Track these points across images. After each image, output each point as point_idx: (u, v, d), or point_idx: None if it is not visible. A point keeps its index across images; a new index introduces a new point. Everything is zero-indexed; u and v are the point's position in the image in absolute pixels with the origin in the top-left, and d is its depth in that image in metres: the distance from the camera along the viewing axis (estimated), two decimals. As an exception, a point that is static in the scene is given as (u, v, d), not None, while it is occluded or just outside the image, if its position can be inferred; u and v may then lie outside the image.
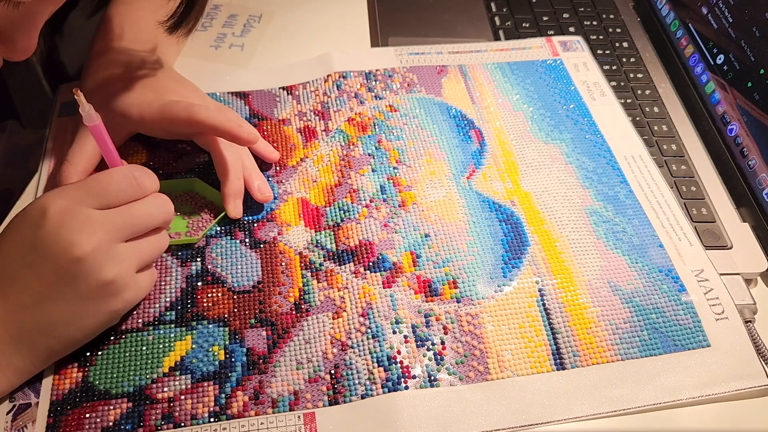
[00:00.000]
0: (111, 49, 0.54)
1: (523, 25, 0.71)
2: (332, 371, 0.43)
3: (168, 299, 0.46)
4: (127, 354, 0.44)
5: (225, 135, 0.49)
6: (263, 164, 0.54)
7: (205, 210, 0.51)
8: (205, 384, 0.43)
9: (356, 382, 0.43)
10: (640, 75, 0.66)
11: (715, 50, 0.61)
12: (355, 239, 0.50)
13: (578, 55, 0.66)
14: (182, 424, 0.41)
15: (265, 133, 0.57)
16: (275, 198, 0.53)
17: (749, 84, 0.56)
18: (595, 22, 0.72)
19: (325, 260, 0.49)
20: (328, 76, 0.61)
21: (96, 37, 0.56)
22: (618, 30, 0.71)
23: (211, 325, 0.45)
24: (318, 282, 0.48)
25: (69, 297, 0.40)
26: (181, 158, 0.55)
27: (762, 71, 0.55)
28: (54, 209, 0.39)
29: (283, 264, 0.49)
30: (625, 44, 0.69)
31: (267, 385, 0.43)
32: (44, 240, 0.39)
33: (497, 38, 0.69)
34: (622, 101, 0.62)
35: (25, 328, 0.40)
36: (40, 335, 0.40)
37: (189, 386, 0.43)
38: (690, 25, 0.65)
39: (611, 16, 0.72)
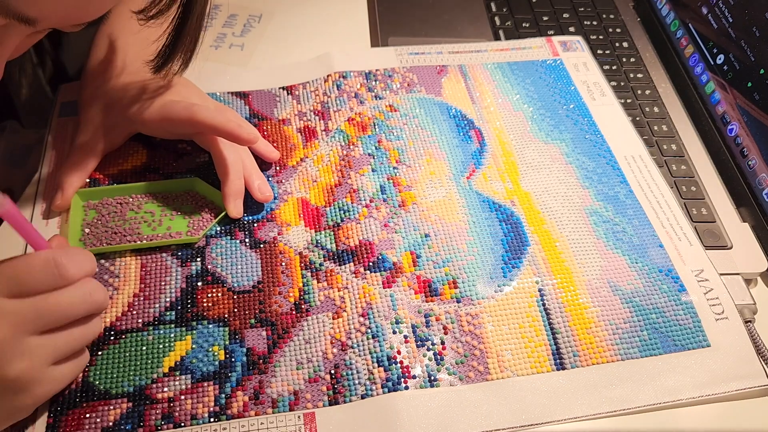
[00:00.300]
0: (112, 49, 0.54)
1: (523, 25, 0.71)
2: (332, 371, 0.43)
3: (168, 299, 0.46)
4: (127, 354, 0.44)
5: (225, 135, 0.49)
6: (263, 164, 0.54)
7: (205, 210, 0.51)
8: (205, 384, 0.43)
9: (356, 382, 0.43)
10: (640, 75, 0.66)
11: (715, 50, 0.61)
12: (355, 239, 0.50)
13: (578, 55, 0.66)
14: (182, 424, 0.41)
15: (265, 133, 0.57)
16: (275, 198, 0.53)
17: (749, 84, 0.56)
18: (595, 22, 0.72)
19: (325, 260, 0.49)
20: (328, 76, 0.61)
21: (97, 36, 0.56)
22: (618, 30, 0.71)
23: (211, 325, 0.45)
24: (318, 282, 0.48)
25: None
26: (181, 158, 0.55)
27: (762, 71, 0.55)
28: None
29: (283, 264, 0.49)
30: (625, 44, 0.69)
31: (267, 385, 0.43)
32: None
33: (497, 38, 0.69)
34: (622, 101, 0.62)
35: None
36: None
37: (189, 386, 0.43)
38: (690, 25, 0.65)
39: (611, 16, 0.72)
